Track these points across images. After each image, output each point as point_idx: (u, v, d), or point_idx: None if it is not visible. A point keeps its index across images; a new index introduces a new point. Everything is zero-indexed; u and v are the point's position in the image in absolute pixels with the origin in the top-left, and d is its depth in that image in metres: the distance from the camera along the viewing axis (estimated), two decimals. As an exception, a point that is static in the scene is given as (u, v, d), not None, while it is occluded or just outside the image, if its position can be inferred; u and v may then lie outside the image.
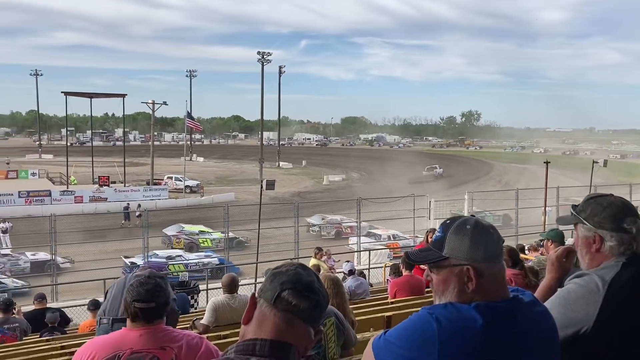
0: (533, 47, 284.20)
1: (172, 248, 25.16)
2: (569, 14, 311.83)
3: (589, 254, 2.08)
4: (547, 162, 21.64)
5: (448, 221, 1.71)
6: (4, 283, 18.86)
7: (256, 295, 1.51)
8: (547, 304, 2.03)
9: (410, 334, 1.57)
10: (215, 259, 22.54)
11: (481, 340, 1.52)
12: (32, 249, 22.80)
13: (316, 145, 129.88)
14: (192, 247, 25.38)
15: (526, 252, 10.22)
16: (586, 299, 1.93)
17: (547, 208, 21.43)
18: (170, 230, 27.29)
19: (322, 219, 30.36)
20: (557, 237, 5.83)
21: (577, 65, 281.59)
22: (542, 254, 6.37)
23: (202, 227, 27.67)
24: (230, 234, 23.86)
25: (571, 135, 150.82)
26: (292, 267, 1.51)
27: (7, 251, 21.81)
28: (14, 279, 19.93)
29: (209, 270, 19.14)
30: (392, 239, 25.73)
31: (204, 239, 26.10)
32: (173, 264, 21.77)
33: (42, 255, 22.00)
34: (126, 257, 22.27)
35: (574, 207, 2.16)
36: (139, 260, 21.01)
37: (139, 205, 34.39)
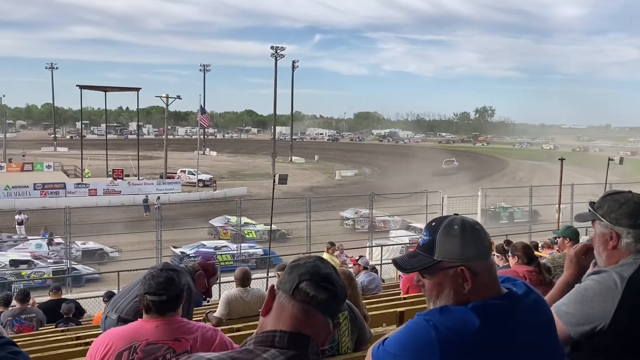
0: (549, 43, 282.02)
1: (219, 239, 25.96)
2: (586, 9, 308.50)
3: (606, 251, 2.07)
4: (562, 159, 21.47)
5: (433, 223, 1.68)
6: (77, 269, 19.88)
7: (275, 287, 1.52)
8: (564, 299, 2.02)
9: (409, 343, 1.55)
10: (260, 249, 23.13)
11: (481, 342, 1.51)
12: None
13: (327, 140, 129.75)
14: (237, 238, 25.88)
15: (540, 249, 10.14)
16: (604, 296, 1.92)
17: (561, 205, 21.28)
18: (216, 222, 28.02)
19: (356, 212, 30.52)
20: (573, 235, 5.79)
21: (593, 62, 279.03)
22: (558, 251, 6.32)
23: (247, 219, 28.27)
24: (273, 227, 24.38)
25: (586, 132, 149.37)
26: (310, 260, 1.53)
27: (60, 239, 22.62)
28: (85, 266, 20.83)
29: (254, 260, 20.01)
30: None
31: (249, 231, 26.71)
32: (221, 254, 22.44)
33: (92, 245, 23.11)
34: (175, 247, 23.02)
35: (592, 204, 2.15)
36: (188, 250, 21.89)
37: (158, 198, 34.93)
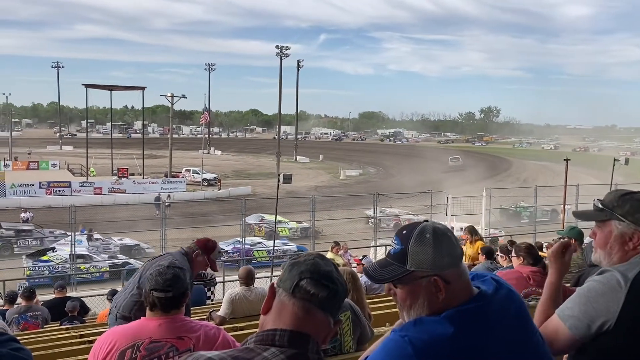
0: (555, 43, 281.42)
1: (254, 235, 26.64)
2: (592, 9, 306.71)
3: (621, 251, 2.04)
4: (567, 160, 21.36)
5: (404, 231, 1.64)
6: (131, 263, 20.33)
7: (275, 285, 1.52)
8: (567, 303, 2.01)
9: None
10: (293, 246, 23.86)
11: (458, 349, 1.50)
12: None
13: (331, 139, 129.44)
14: (272, 235, 26.46)
15: (544, 249, 10.11)
16: (607, 296, 1.91)
17: (566, 206, 21.20)
18: (250, 219, 28.40)
19: (381, 211, 30.64)
20: (577, 235, 5.76)
21: (599, 62, 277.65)
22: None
23: (280, 217, 28.80)
24: (305, 224, 26.06)
25: (592, 132, 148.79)
26: (310, 257, 1.52)
27: (98, 235, 23.58)
28: (137, 261, 21.11)
29: (289, 256, 20.06)
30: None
31: (283, 228, 27.29)
32: (257, 250, 23.30)
33: (129, 240, 23.92)
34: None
35: (601, 202, 2.12)
36: (225, 246, 22.22)
37: (168, 196, 35.62)
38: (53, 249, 21.51)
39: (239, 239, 23.68)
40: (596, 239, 2.14)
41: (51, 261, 20.55)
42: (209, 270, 5.67)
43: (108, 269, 20.16)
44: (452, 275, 1.58)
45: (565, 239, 2.22)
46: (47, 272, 19.67)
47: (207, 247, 4.53)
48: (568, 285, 4.03)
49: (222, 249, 21.60)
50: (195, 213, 29.51)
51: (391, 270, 1.61)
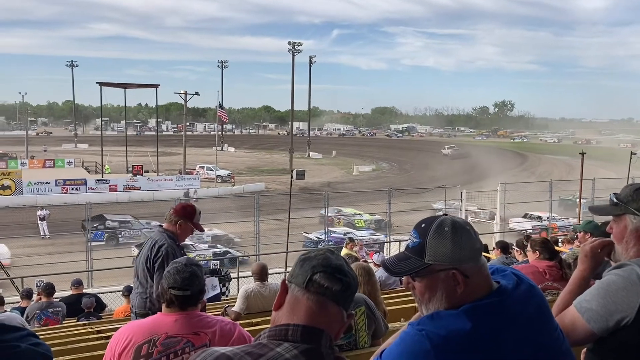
0: (570, 36, 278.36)
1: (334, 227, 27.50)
2: (608, 0, 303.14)
3: (637, 245, 2.02)
4: (582, 154, 21.15)
5: (422, 225, 1.63)
6: (231, 252, 21.93)
7: (286, 281, 1.52)
8: (585, 296, 1.98)
9: (406, 357, 1.51)
10: (382, 236, 24.67)
11: (475, 344, 1.49)
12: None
13: (338, 135, 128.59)
14: (349, 226, 27.75)
15: (560, 244, 10.04)
16: (627, 290, 1.88)
17: (582, 200, 21.02)
18: (325, 211, 29.35)
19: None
20: (594, 229, 5.70)
21: (616, 54, 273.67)
22: (578, 246, 6.23)
23: (355, 210, 30.01)
24: (377, 217, 27.12)
25: (607, 125, 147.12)
26: (320, 252, 1.53)
27: None
28: (234, 250, 22.48)
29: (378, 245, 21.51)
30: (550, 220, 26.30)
31: (359, 220, 28.22)
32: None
33: (218, 231, 25.15)
34: (306, 232, 25.01)
35: (616, 196, 2.10)
36: (320, 235, 23.77)
37: (195, 192, 36.70)
38: None
39: (332, 229, 25.34)
40: (613, 233, 2.13)
41: None
42: (221, 267, 5.70)
43: (212, 257, 21.34)
44: (471, 269, 1.57)
45: (606, 239, 2.17)
46: None
47: (187, 212, 4.43)
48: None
49: (318, 237, 23.49)
50: (225, 208, 29.90)
51: (409, 264, 1.61)
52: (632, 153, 21.46)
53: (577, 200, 29.51)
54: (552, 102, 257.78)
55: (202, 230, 4.69)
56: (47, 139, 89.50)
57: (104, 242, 24.88)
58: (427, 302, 1.60)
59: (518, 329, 1.56)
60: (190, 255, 20.81)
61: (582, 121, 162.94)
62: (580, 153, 21.40)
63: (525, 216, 28.12)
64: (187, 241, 21.27)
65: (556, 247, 5.37)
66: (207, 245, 23.44)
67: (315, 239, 23.94)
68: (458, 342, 1.49)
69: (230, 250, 22.23)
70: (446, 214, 1.69)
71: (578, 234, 6.32)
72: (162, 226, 4.47)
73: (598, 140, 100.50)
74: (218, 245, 23.68)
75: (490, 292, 1.59)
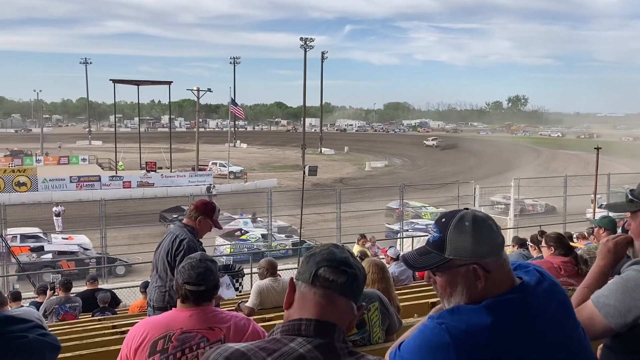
0: (585, 29, 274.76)
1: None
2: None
3: None
4: (597, 148, 20.92)
5: (443, 219, 1.63)
6: (307, 242, 22.31)
7: (294, 279, 1.53)
8: (603, 291, 1.97)
9: (424, 348, 1.52)
10: None
11: (495, 339, 1.49)
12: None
13: (336, 130, 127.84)
14: (416, 218, 28.07)
15: (574, 239, 9.96)
16: None
17: (597, 195, 20.82)
18: (393, 204, 29.87)
19: (504, 197, 31.00)
20: (609, 225, 5.65)
21: (632, 47, 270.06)
22: (598, 241, 6.18)
23: (421, 203, 30.38)
24: (442, 209, 26.75)
25: (624, 120, 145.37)
26: (325, 247, 1.53)
27: (260, 218, 25.76)
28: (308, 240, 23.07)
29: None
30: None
31: (425, 212, 28.63)
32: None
33: (282, 223, 26.01)
34: (388, 224, 26.00)
35: (632, 192, 2.08)
36: (397, 227, 24.27)
37: (214, 186, 38.37)
38: (240, 230, 24.57)
39: (413, 220, 26.04)
40: (631, 230, 2.11)
41: (248, 240, 23.39)
42: (233, 262, 5.74)
43: (291, 247, 22.41)
44: (492, 263, 1.57)
45: (629, 235, 2.15)
46: (245, 249, 22.34)
47: (208, 210, 4.51)
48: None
49: (394, 229, 24.13)
50: (247, 203, 30.36)
51: (430, 258, 1.61)
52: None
53: (628, 192, 29.19)
54: (566, 97, 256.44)
55: (220, 227, 4.74)
56: (61, 136, 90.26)
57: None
58: (448, 296, 1.60)
59: (540, 326, 1.55)
60: (273, 244, 22.32)
61: (597, 115, 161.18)
62: (595, 148, 21.17)
63: (601, 207, 27.91)
64: (264, 231, 23.15)
65: (571, 243, 5.32)
66: (284, 235, 24.45)
67: (398, 229, 24.00)
68: (478, 336, 1.48)
69: (306, 240, 22.61)
70: (467, 208, 1.68)
71: (594, 229, 6.26)
72: (181, 221, 4.53)
73: (598, 134, 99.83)
74: (294, 235, 24.11)
75: (512, 287, 1.58)
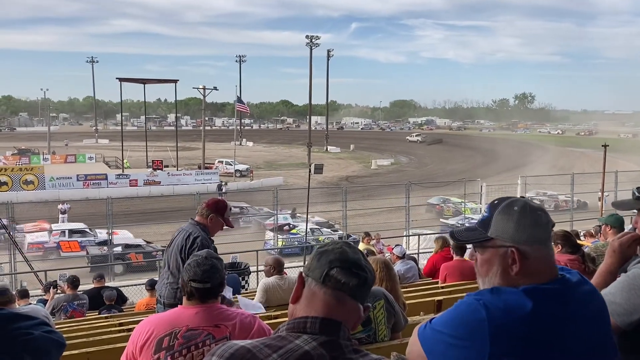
0: (593, 26, 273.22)
1: (444, 215, 28.82)
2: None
3: None
4: (605, 146, 20.81)
5: (496, 201, 1.68)
6: (352, 235, 22.16)
7: (303, 274, 1.53)
8: (610, 289, 1.96)
9: (459, 322, 1.53)
10: None
11: (532, 324, 1.49)
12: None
13: (337, 129, 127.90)
14: (457, 214, 28.64)
15: (581, 237, 9.91)
16: None
17: (604, 193, 20.71)
18: (433, 200, 30.64)
19: (544, 193, 31.38)
20: (617, 223, 5.61)
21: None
22: (605, 239, 6.14)
23: (459, 199, 30.68)
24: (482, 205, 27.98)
25: (632, 117, 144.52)
26: (337, 246, 1.52)
27: (299, 214, 26.49)
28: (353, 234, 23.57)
29: None
30: None
31: (466, 208, 28.87)
32: None
33: (318, 218, 26.50)
34: (443, 219, 26.88)
35: (639, 190, 2.07)
36: (452, 222, 24.90)
37: (226, 184, 39.37)
38: (289, 224, 25.74)
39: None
40: (638, 227, 2.10)
41: (298, 234, 24.10)
42: (243, 261, 5.74)
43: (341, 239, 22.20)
44: (532, 251, 1.58)
45: (635, 233, 2.14)
46: (296, 242, 23.29)
47: (219, 207, 4.52)
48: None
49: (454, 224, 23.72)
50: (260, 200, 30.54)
51: (473, 234, 1.66)
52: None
53: (635, 189, 29.14)
54: (573, 94, 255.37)
55: (231, 226, 4.74)
56: (68, 134, 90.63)
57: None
58: (484, 275, 1.64)
59: (580, 323, 1.55)
60: (321, 238, 22.81)
61: (605, 113, 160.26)
62: (602, 145, 21.06)
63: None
64: (314, 226, 23.78)
65: (578, 241, 5.30)
66: (330, 229, 25.05)
67: (458, 224, 23.90)
68: (515, 318, 1.49)
69: (353, 235, 22.73)
70: (523, 197, 1.71)
71: (602, 226, 6.22)
72: (193, 219, 4.54)
73: (596, 131, 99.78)
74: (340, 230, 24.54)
75: (553, 279, 1.59)
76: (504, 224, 1.59)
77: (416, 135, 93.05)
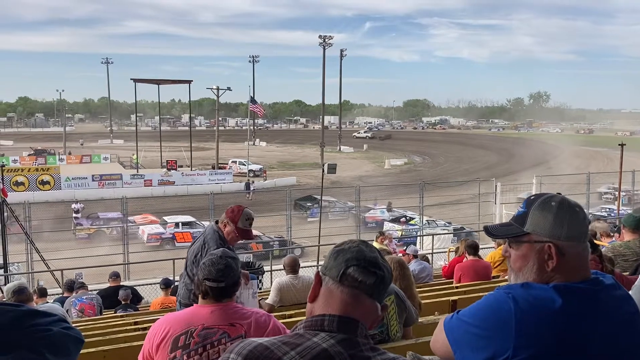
0: (610, 24, 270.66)
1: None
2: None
3: None
4: (622, 145, 20.58)
5: (532, 197, 1.66)
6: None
7: (320, 273, 1.52)
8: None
9: (486, 313, 1.53)
10: None
11: (560, 322, 1.47)
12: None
13: (354, 137, 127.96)
14: None
15: (598, 237, 9.80)
16: None
17: (621, 192, 20.50)
18: (524, 195, 30.20)
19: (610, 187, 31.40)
20: (635, 224, 5.53)
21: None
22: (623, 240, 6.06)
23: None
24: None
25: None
26: (354, 244, 1.52)
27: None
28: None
29: None
30: None
31: None
32: None
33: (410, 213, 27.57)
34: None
35: None
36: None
37: (253, 182, 40.46)
38: (405, 217, 26.98)
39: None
40: None
41: (416, 225, 25.06)
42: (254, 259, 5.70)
43: (453, 232, 23.29)
44: (569, 248, 1.57)
45: None
46: (414, 233, 23.91)
47: (232, 216, 4.28)
48: (626, 274, 3.90)
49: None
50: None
51: (509, 230, 1.65)
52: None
53: None
54: (589, 93, 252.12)
55: (247, 237, 4.38)
56: (83, 134, 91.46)
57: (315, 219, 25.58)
58: (517, 271, 1.62)
59: (611, 326, 1.53)
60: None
61: (621, 111, 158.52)
62: (619, 144, 20.84)
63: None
64: (430, 218, 24.85)
65: (595, 241, 5.23)
66: (444, 222, 25.81)
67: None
68: (543, 314, 1.48)
69: (465, 227, 23.44)
70: (560, 194, 1.70)
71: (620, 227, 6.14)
72: (217, 223, 4.41)
73: (594, 129, 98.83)
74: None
75: (586, 279, 1.58)
76: (541, 219, 1.58)
77: (364, 132, 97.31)
